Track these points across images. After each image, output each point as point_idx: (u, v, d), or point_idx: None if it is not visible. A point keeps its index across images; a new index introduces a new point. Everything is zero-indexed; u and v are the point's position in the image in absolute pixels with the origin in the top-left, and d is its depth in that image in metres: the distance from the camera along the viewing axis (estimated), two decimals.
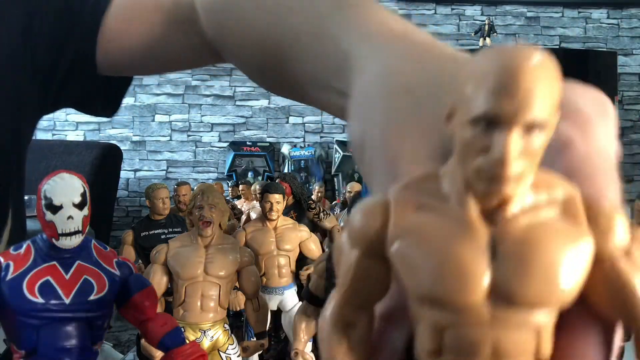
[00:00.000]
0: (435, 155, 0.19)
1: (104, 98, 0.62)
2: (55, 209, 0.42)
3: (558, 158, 0.17)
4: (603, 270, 0.15)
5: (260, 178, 2.99)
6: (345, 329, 0.17)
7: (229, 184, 2.47)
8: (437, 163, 0.17)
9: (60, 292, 0.43)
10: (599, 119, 0.18)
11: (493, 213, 0.15)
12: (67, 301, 0.43)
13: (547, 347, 0.15)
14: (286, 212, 1.18)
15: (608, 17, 3.13)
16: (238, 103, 3.16)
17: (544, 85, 0.13)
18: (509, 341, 0.14)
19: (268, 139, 3.18)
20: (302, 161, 3.09)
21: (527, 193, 0.15)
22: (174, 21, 0.52)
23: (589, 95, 0.19)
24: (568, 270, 0.14)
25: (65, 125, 3.12)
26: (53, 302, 0.42)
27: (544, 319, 0.14)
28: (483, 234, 0.14)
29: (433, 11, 3.13)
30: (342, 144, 3.10)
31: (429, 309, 0.15)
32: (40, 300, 0.42)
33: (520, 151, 0.14)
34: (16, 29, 0.53)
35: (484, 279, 0.14)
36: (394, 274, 0.16)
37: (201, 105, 3.17)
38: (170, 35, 0.53)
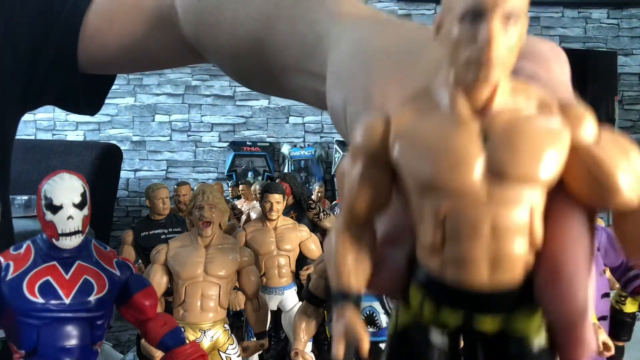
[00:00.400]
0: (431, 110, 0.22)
1: (86, 96, 0.62)
2: (55, 209, 0.42)
3: None
4: (579, 156, 0.17)
5: (260, 178, 2.99)
6: (351, 244, 0.18)
7: (229, 184, 2.47)
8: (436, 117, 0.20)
9: (60, 292, 0.43)
10: (555, 60, 0.22)
11: (482, 109, 0.17)
12: (67, 301, 0.43)
13: (539, 228, 0.17)
14: (286, 212, 1.18)
15: (608, 17, 3.13)
16: (238, 103, 3.16)
17: None
18: (505, 218, 0.16)
19: (268, 139, 3.18)
20: (302, 161, 3.09)
21: (507, 94, 0.17)
22: (154, 20, 0.52)
23: (547, 44, 0.23)
24: (549, 150, 0.16)
25: (65, 125, 3.12)
26: (53, 302, 0.42)
27: (534, 197, 0.16)
28: (474, 125, 0.16)
29: (433, 11, 3.13)
30: (342, 144, 3.10)
31: (431, 198, 0.16)
32: (40, 300, 0.42)
33: (501, 37, 0.16)
34: None
35: (478, 161, 0.16)
36: (396, 179, 0.18)
37: (201, 105, 3.17)
38: (151, 34, 0.53)
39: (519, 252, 0.16)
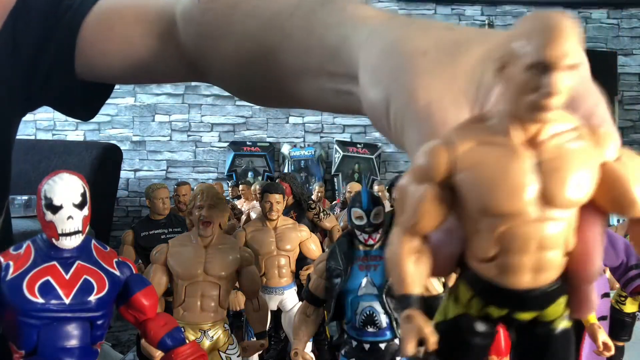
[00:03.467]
0: (457, 101, 0.24)
1: (82, 101, 0.62)
2: (55, 209, 0.42)
3: None
4: (604, 172, 0.20)
5: (260, 178, 2.98)
6: (412, 254, 0.21)
7: (229, 184, 2.47)
8: (459, 107, 0.24)
9: (60, 292, 0.43)
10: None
11: (532, 139, 0.19)
12: (67, 301, 0.43)
13: (571, 237, 0.20)
14: (286, 212, 1.18)
15: (608, 17, 3.13)
16: (238, 103, 3.16)
17: (574, 37, 0.18)
18: (549, 235, 0.19)
19: (268, 139, 3.18)
20: (302, 161, 3.09)
21: (552, 124, 0.20)
22: (154, 33, 0.52)
23: None
24: (588, 176, 0.19)
25: (65, 125, 3.12)
26: (53, 302, 0.42)
27: (571, 214, 0.20)
28: (527, 156, 0.19)
29: (433, 11, 3.13)
30: (342, 144, 3.10)
31: (488, 219, 0.19)
32: (40, 300, 0.42)
33: (563, 87, 0.18)
34: (2, 30, 0.53)
35: (532, 189, 0.19)
36: (454, 199, 0.20)
37: (201, 105, 3.17)
38: (149, 46, 0.53)
39: (557, 258, 0.20)
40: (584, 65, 0.25)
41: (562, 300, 0.21)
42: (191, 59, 0.50)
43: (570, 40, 0.18)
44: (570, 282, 0.21)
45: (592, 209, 0.20)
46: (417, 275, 0.21)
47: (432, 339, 0.20)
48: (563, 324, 0.21)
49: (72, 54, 0.55)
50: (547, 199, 0.19)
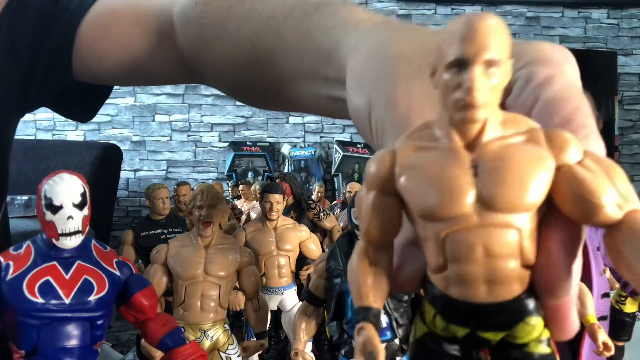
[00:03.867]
0: (436, 109, 0.23)
1: (80, 103, 0.61)
2: (55, 209, 0.42)
3: (542, 89, 0.23)
4: (562, 175, 0.18)
5: (260, 178, 2.98)
6: (369, 266, 0.21)
7: (229, 184, 2.47)
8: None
9: (60, 292, 0.43)
10: (566, 62, 0.24)
11: (473, 143, 0.19)
12: (67, 301, 0.43)
13: (529, 247, 0.19)
14: (286, 212, 1.18)
15: (608, 17, 3.13)
16: (238, 103, 3.15)
17: (495, 35, 0.18)
18: (496, 241, 0.18)
19: (268, 139, 3.18)
20: (302, 161, 3.09)
21: (497, 126, 0.19)
22: (151, 34, 0.52)
23: (557, 48, 0.25)
24: (534, 178, 0.18)
25: (65, 125, 3.12)
26: (53, 302, 0.42)
27: (522, 221, 0.18)
28: (466, 159, 0.18)
29: (433, 11, 3.13)
30: (342, 144, 3.09)
31: (431, 223, 0.19)
32: (40, 300, 0.42)
33: (483, 82, 0.18)
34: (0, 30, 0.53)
35: (470, 191, 0.18)
36: (404, 206, 0.20)
37: (201, 105, 3.17)
38: (146, 47, 0.52)
39: (512, 269, 0.18)
40: (567, 69, 0.24)
41: (534, 321, 0.19)
42: (188, 60, 0.50)
43: (489, 36, 0.18)
44: (541, 300, 0.19)
45: (560, 218, 0.19)
46: (375, 288, 0.20)
47: (381, 355, 0.19)
48: (540, 349, 0.19)
49: (70, 55, 0.54)
50: (486, 202, 0.18)
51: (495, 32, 0.18)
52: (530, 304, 0.19)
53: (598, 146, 0.21)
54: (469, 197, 0.18)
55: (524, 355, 0.19)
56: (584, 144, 0.20)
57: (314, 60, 0.36)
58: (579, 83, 0.24)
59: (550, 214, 0.19)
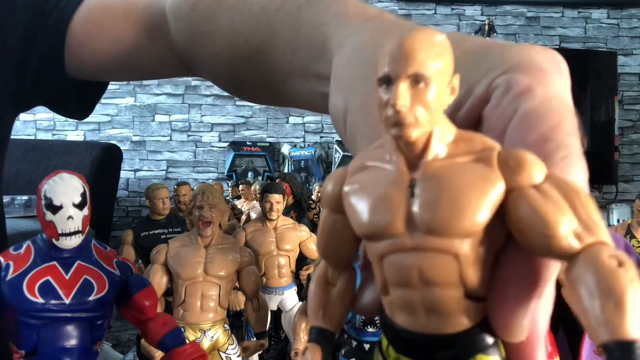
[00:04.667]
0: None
1: (75, 100, 0.61)
2: (55, 209, 0.42)
3: (520, 101, 0.20)
4: (512, 200, 0.17)
5: (260, 178, 2.98)
6: (326, 288, 0.20)
7: (229, 184, 2.47)
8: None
9: (60, 292, 0.43)
10: (555, 72, 0.21)
11: (415, 161, 0.18)
12: (67, 301, 0.43)
13: (474, 279, 0.17)
14: (286, 212, 1.18)
15: (608, 17, 3.13)
16: (238, 103, 3.16)
17: (424, 50, 0.17)
18: (430, 267, 0.17)
19: (268, 139, 3.18)
20: (302, 161, 3.09)
21: (444, 145, 0.18)
22: (144, 28, 0.51)
23: (547, 54, 0.22)
24: (473, 201, 0.16)
25: (65, 125, 3.12)
26: (53, 302, 0.42)
27: (461, 247, 0.17)
28: (405, 179, 0.18)
29: (433, 11, 3.13)
30: (342, 144, 3.09)
31: (372, 243, 0.18)
32: (40, 300, 0.42)
33: (407, 98, 0.17)
34: None
35: (402, 211, 0.17)
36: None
37: (201, 105, 3.17)
38: (140, 41, 0.52)
39: (451, 298, 0.17)
40: (552, 80, 0.21)
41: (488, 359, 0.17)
42: (182, 54, 0.49)
43: (416, 51, 0.17)
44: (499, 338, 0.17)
45: (518, 250, 0.17)
46: (327, 310, 0.20)
47: None
48: None
49: (62, 53, 0.54)
50: (418, 223, 0.17)
51: (425, 48, 0.17)
52: (484, 339, 0.17)
53: (578, 168, 0.19)
54: (400, 218, 0.17)
55: None
56: (561, 166, 0.18)
57: (306, 58, 0.36)
58: (567, 96, 0.21)
59: (508, 244, 0.17)
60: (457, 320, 0.17)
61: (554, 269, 0.17)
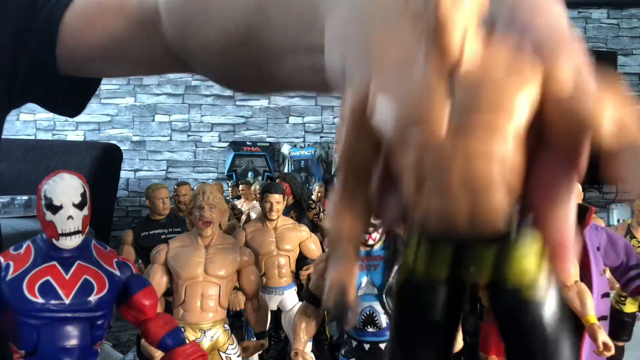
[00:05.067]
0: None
1: (68, 97, 0.61)
2: (55, 209, 0.42)
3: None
4: (550, 95, 0.17)
5: (260, 178, 2.99)
6: (348, 203, 0.20)
7: (229, 184, 2.47)
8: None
9: (60, 292, 0.43)
10: (550, 6, 0.21)
11: (453, 68, 0.17)
12: (67, 301, 0.43)
13: (515, 179, 0.17)
14: (286, 212, 1.18)
15: (608, 17, 3.13)
16: (238, 103, 3.16)
17: None
18: (474, 170, 0.17)
19: (268, 139, 3.18)
20: (302, 161, 3.09)
21: (478, 53, 0.17)
22: (136, 23, 0.51)
23: None
24: (513, 95, 0.16)
25: (65, 125, 3.12)
26: (53, 302, 0.42)
27: (503, 148, 0.17)
28: (442, 84, 0.17)
29: None
30: None
31: (406, 152, 0.18)
32: (40, 300, 0.42)
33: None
34: None
35: (444, 116, 0.17)
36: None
37: (201, 105, 3.17)
38: (132, 37, 0.52)
39: (494, 202, 0.17)
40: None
41: (526, 261, 0.17)
42: (174, 48, 0.50)
43: None
44: (546, 242, 0.17)
45: (554, 152, 0.17)
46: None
47: (351, 295, 0.19)
48: (539, 294, 0.17)
49: (53, 50, 0.54)
50: (459, 125, 0.17)
51: None
52: (523, 242, 0.17)
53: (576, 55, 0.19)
54: (443, 122, 0.17)
55: (515, 302, 0.17)
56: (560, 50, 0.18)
57: (296, 32, 0.36)
58: (564, 25, 0.21)
59: (546, 147, 0.18)
60: (495, 221, 0.17)
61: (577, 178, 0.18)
